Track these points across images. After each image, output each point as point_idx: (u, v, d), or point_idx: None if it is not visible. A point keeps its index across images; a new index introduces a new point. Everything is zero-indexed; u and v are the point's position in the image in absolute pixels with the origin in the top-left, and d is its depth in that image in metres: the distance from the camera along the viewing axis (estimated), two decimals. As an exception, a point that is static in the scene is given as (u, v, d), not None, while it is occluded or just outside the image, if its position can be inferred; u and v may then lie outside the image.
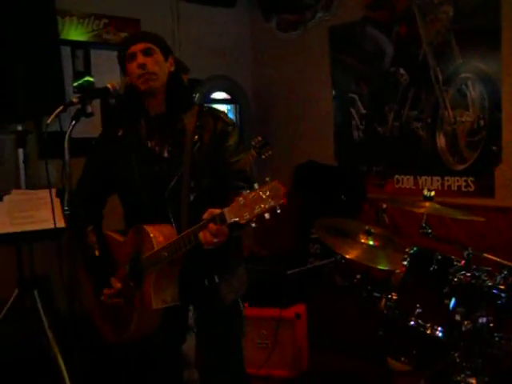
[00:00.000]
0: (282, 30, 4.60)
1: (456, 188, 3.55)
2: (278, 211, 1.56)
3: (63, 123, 2.00)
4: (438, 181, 3.66)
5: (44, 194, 2.87)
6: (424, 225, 2.11)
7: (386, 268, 2.61)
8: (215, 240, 1.72)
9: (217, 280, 2.00)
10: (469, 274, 1.93)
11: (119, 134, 2.08)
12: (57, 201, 2.62)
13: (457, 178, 3.56)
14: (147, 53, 1.97)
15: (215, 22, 4.53)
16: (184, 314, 2.06)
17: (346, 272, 2.79)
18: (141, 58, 1.96)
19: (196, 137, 1.99)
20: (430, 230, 2.10)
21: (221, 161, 1.99)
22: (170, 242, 1.84)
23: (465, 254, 1.96)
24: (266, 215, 1.57)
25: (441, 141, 3.62)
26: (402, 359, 2.49)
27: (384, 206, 3.42)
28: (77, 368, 2.18)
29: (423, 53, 3.65)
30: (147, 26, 4.08)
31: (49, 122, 1.84)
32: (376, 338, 2.73)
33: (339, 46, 4.20)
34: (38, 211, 2.92)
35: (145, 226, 1.94)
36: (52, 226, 2.15)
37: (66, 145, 1.81)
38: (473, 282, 1.93)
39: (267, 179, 1.58)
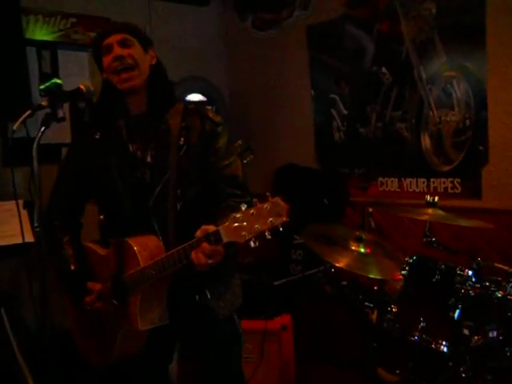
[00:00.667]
0: (259, 29, 4.45)
1: (442, 190, 3.45)
2: (281, 229, 1.41)
3: (30, 129, 1.83)
4: (423, 183, 3.56)
5: (10, 205, 2.67)
6: (427, 233, 1.98)
7: (378, 277, 2.49)
8: (209, 261, 1.56)
9: (209, 296, 1.83)
10: (478, 285, 1.81)
11: (96, 136, 1.89)
12: (24, 213, 2.43)
13: (443, 179, 3.46)
14: (124, 44, 1.79)
15: (189, 20, 4.37)
16: (172, 333, 1.87)
17: (335, 281, 2.66)
18: (118, 50, 1.78)
19: (182, 139, 1.81)
20: (434, 239, 1.98)
21: (210, 165, 1.81)
22: (158, 259, 1.66)
23: (473, 264, 1.84)
24: (267, 234, 1.42)
25: (426, 141, 3.52)
26: (397, 372, 2.37)
27: (370, 209, 3.30)
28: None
29: (406, 51, 3.54)
30: (118, 25, 3.90)
31: (15, 127, 1.65)
32: (368, 349, 2.61)
33: (318, 45, 4.06)
34: (3, 225, 2.71)
35: (128, 240, 1.75)
36: (20, 241, 1.95)
37: (34, 153, 1.62)
38: (482, 292, 1.80)
39: (267, 194, 1.43)
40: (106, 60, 1.81)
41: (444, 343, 1.90)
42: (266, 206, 1.42)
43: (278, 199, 1.43)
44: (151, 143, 1.83)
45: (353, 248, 2.60)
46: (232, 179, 1.82)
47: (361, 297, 2.51)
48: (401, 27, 3.54)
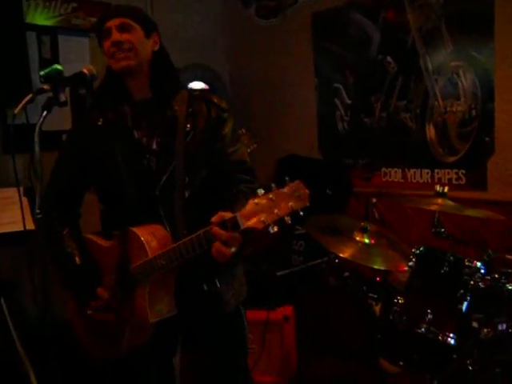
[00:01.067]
0: (262, 17, 4.39)
1: (447, 181, 3.41)
2: (301, 214, 1.36)
3: (30, 115, 1.79)
4: (427, 173, 3.52)
5: (11, 192, 2.63)
6: (436, 223, 1.95)
7: (382, 268, 2.46)
8: (231, 250, 1.51)
9: (218, 284, 1.78)
10: (488, 277, 1.78)
11: (99, 122, 1.83)
12: (25, 200, 2.38)
13: (447, 170, 3.42)
14: (124, 28, 1.75)
15: (191, 8, 4.30)
16: (177, 323, 1.82)
17: (339, 272, 2.63)
18: (116, 35, 1.74)
19: (188, 125, 1.77)
20: (443, 229, 1.94)
21: (217, 151, 1.78)
22: (169, 248, 1.61)
23: (484, 255, 1.80)
24: (287, 219, 1.36)
25: (430, 132, 3.48)
26: (401, 364, 2.35)
27: (374, 200, 3.27)
28: (51, 384, 1.98)
29: (412, 40, 3.48)
30: (119, 11, 3.84)
31: (16, 112, 1.61)
32: (371, 340, 2.59)
33: (323, 32, 4.00)
34: (3, 212, 2.66)
35: (133, 229, 1.69)
36: (21, 228, 1.91)
37: (36, 138, 1.58)
38: (492, 285, 1.77)
39: (287, 178, 1.38)
40: (106, 45, 1.77)
41: (451, 335, 1.87)
42: (285, 189, 1.37)
43: (298, 182, 1.38)
44: (157, 130, 1.78)
45: (357, 239, 2.57)
46: (240, 164, 1.80)
47: (365, 288, 2.48)
48: (407, 15, 3.49)
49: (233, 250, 1.52)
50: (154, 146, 1.77)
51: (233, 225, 1.46)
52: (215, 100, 1.84)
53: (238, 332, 1.91)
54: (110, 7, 3.77)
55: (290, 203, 1.36)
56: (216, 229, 1.49)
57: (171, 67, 1.88)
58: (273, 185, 1.40)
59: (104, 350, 1.87)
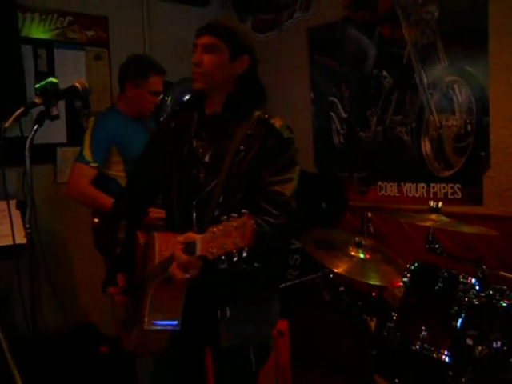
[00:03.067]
0: (258, 31, 4.41)
1: (442, 195, 3.41)
2: (244, 255, 1.31)
3: (24, 128, 1.78)
4: (423, 188, 3.51)
5: (1, 205, 2.60)
6: (430, 239, 1.93)
7: (378, 283, 2.44)
8: (186, 275, 1.50)
9: (228, 314, 1.75)
10: (483, 294, 1.76)
11: (171, 125, 1.91)
12: (17, 213, 2.37)
13: (443, 184, 3.41)
14: (209, 49, 1.75)
15: (188, 21, 4.31)
16: (195, 341, 1.80)
17: (333, 287, 2.61)
18: (198, 55, 1.75)
19: (242, 147, 1.73)
20: (437, 246, 1.93)
21: (261, 178, 1.71)
22: (157, 262, 1.63)
23: (478, 271, 1.79)
24: (234, 254, 1.32)
25: (426, 146, 3.48)
26: (396, 381, 2.32)
27: (369, 214, 3.26)
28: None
29: (407, 54, 3.50)
30: (116, 25, 3.86)
31: (6, 125, 1.61)
32: (366, 356, 2.57)
33: (318, 47, 4.02)
34: (-5, 225, 2.65)
35: (155, 234, 1.72)
36: (11, 242, 1.91)
37: (27, 152, 1.57)
38: (486, 301, 1.75)
39: (244, 211, 1.33)
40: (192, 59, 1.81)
41: (446, 353, 1.85)
42: (234, 223, 1.33)
43: (245, 218, 1.32)
44: (214, 144, 1.79)
45: (352, 253, 2.56)
46: (275, 195, 1.70)
47: (360, 303, 2.46)
48: (402, 31, 3.51)
49: (187, 275, 1.50)
50: (207, 159, 1.78)
51: (191, 249, 1.45)
52: (277, 125, 1.78)
53: (236, 371, 1.83)
54: (106, 20, 3.81)
55: (236, 239, 1.32)
56: (178, 251, 1.49)
57: (254, 90, 1.88)
58: (232, 215, 1.35)
59: (123, 341, 1.91)
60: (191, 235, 1.49)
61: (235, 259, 1.33)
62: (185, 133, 1.84)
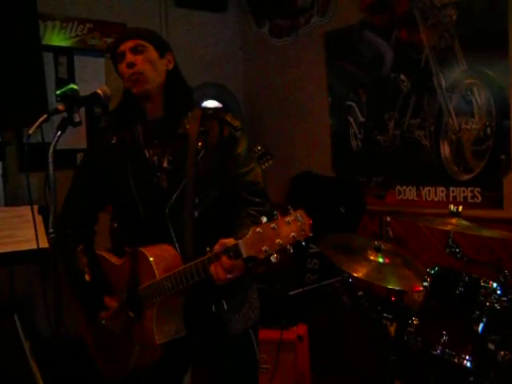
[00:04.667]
0: (275, 36, 4.42)
1: (462, 199, 3.38)
2: (303, 244, 1.35)
3: (45, 134, 1.80)
4: (442, 191, 3.49)
5: (25, 211, 2.65)
6: (451, 243, 1.92)
7: (397, 288, 2.43)
8: (229, 276, 1.50)
9: (225, 306, 1.76)
10: (505, 299, 1.74)
11: (112, 141, 1.85)
12: (39, 219, 2.40)
13: (463, 188, 3.38)
14: (136, 50, 1.76)
15: (205, 27, 4.35)
16: (188, 344, 1.80)
17: (353, 291, 2.60)
18: (130, 57, 1.75)
19: (200, 144, 1.76)
20: (457, 250, 1.91)
21: (229, 171, 1.75)
22: (175, 271, 1.61)
23: (501, 276, 1.77)
24: (289, 249, 1.35)
25: (445, 150, 3.46)
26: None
27: (388, 218, 3.24)
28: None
29: (425, 58, 3.49)
30: (134, 31, 3.89)
31: (31, 132, 1.62)
32: (386, 362, 2.55)
33: (336, 51, 4.02)
34: (18, 230, 2.68)
35: (142, 249, 1.69)
36: (34, 247, 1.92)
37: (50, 158, 1.59)
38: (508, 306, 1.74)
39: (289, 207, 1.37)
40: (121, 68, 1.79)
41: (468, 358, 1.84)
42: (287, 219, 1.36)
43: (300, 212, 1.36)
44: (168, 148, 1.78)
45: (371, 258, 2.54)
46: (251, 186, 1.76)
47: (379, 308, 2.45)
48: (420, 34, 3.49)
49: (230, 276, 1.51)
50: (165, 165, 1.77)
51: (235, 253, 1.46)
52: (228, 118, 1.81)
53: (246, 356, 1.87)
54: (125, 28, 3.85)
55: (292, 233, 1.35)
56: (223, 257, 1.49)
57: (185, 86, 1.89)
58: (275, 212, 1.39)
59: (112, 370, 1.87)
60: (224, 241, 1.50)
61: (291, 251, 1.36)
62: (131, 145, 1.81)
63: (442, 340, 1.89)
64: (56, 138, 1.62)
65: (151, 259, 1.66)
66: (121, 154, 1.82)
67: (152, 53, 1.78)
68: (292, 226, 1.35)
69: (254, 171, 1.78)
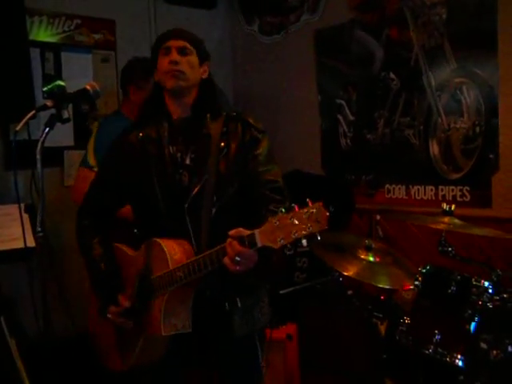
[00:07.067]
0: (265, 34, 4.40)
1: (451, 198, 3.39)
2: (319, 238, 1.35)
3: (32, 131, 1.77)
4: (431, 190, 3.49)
5: (12, 209, 2.61)
6: (443, 242, 1.92)
7: (388, 286, 2.43)
8: (240, 263, 1.51)
9: (239, 304, 1.79)
10: (497, 297, 1.74)
11: (139, 136, 1.89)
12: (25, 217, 2.37)
13: (451, 187, 3.39)
14: (183, 52, 1.83)
15: (194, 24, 4.29)
16: (191, 341, 1.82)
17: (343, 290, 2.60)
18: (175, 55, 1.82)
19: (222, 144, 1.81)
20: (450, 248, 1.91)
21: (249, 171, 1.80)
22: (188, 261, 1.63)
23: (493, 275, 1.77)
24: (304, 242, 1.36)
25: (434, 148, 3.46)
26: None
27: (378, 217, 3.24)
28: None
29: (415, 57, 3.49)
30: (123, 28, 3.87)
31: (18, 128, 1.61)
32: (376, 360, 2.55)
33: (326, 49, 4.01)
34: (4, 229, 2.64)
35: (159, 240, 1.72)
36: (21, 246, 1.91)
37: (38, 154, 1.57)
38: (500, 305, 1.74)
39: (308, 200, 1.37)
40: (162, 61, 1.84)
41: (460, 357, 1.84)
42: (305, 211, 1.37)
43: (318, 205, 1.38)
44: (191, 146, 1.83)
45: (361, 256, 2.55)
46: (271, 183, 1.80)
47: (370, 307, 2.45)
48: (410, 33, 3.49)
49: (241, 264, 1.52)
50: (188, 162, 1.83)
51: (250, 241, 1.47)
52: (251, 121, 1.87)
53: (247, 360, 1.90)
54: (113, 24, 3.81)
55: (309, 225, 1.35)
56: (232, 241, 1.50)
57: (215, 95, 1.94)
58: (293, 205, 1.39)
59: (115, 362, 1.89)
60: (240, 229, 1.51)
61: (306, 245, 1.38)
62: (156, 141, 1.86)
63: (434, 339, 1.89)
64: (44, 135, 1.61)
65: (166, 249, 1.68)
66: (145, 151, 1.86)
67: (194, 58, 1.86)
68: (308, 218, 1.36)
69: (273, 170, 1.83)
